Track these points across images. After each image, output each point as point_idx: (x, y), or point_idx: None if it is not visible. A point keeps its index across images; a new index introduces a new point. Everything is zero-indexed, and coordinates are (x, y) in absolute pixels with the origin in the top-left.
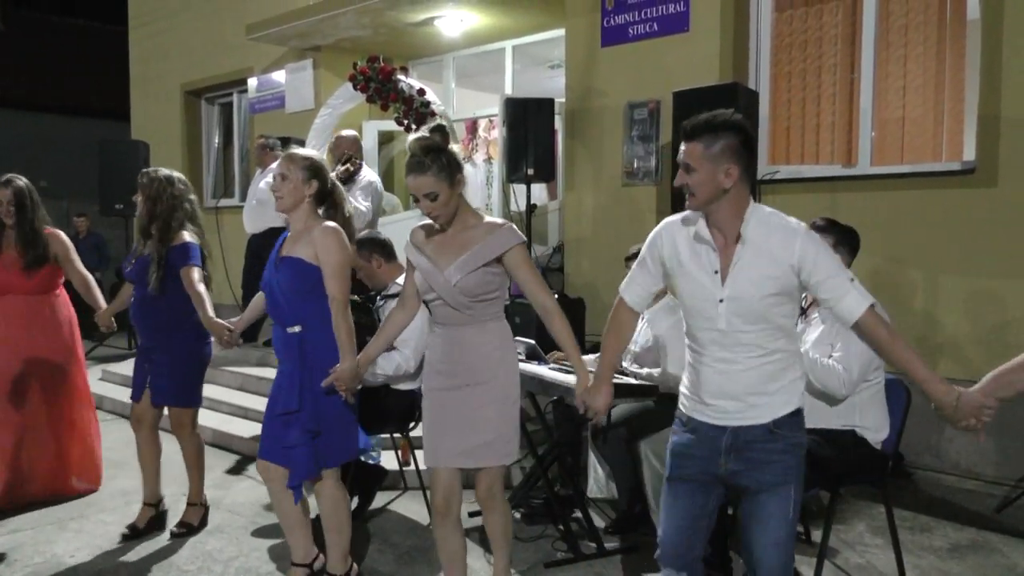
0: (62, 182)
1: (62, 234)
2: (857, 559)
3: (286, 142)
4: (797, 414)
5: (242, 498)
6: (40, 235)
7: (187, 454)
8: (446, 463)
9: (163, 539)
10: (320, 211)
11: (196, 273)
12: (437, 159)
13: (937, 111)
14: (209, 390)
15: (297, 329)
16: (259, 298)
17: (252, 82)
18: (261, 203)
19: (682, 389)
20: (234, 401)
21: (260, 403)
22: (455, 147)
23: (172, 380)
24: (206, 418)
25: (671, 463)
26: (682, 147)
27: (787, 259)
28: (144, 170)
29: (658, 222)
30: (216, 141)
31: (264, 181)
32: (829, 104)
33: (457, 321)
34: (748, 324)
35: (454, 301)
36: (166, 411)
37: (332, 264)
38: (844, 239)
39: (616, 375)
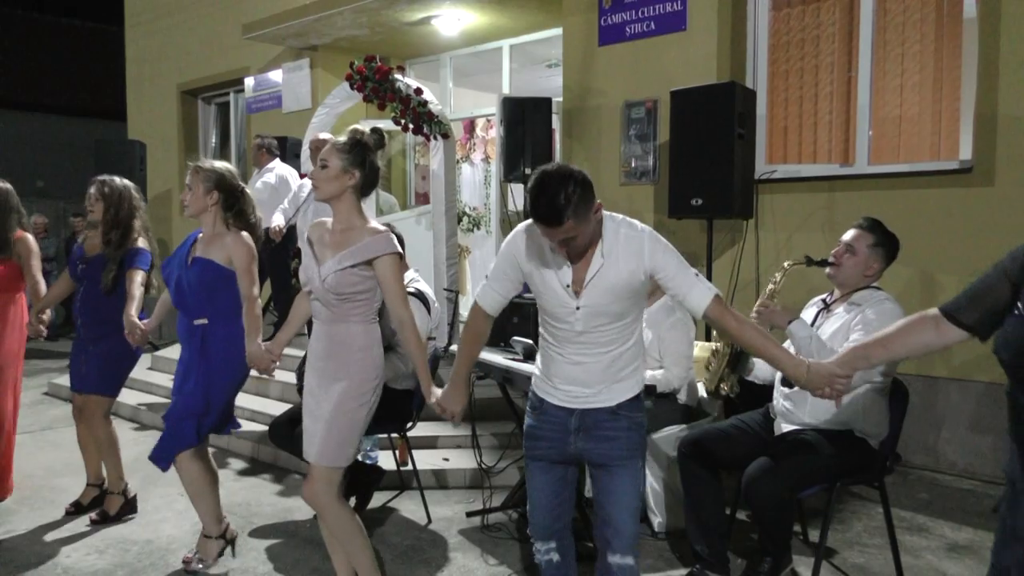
0: (59, 182)
1: (30, 238)
2: (855, 559)
3: (282, 142)
4: (637, 398)
5: (238, 498)
6: (8, 233)
7: (102, 442)
8: (308, 458)
9: (160, 540)
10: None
11: (139, 276)
12: (354, 147)
13: (934, 109)
14: (249, 401)
15: (203, 321)
16: (166, 297)
17: (249, 82)
18: (258, 203)
19: (535, 373)
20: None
21: (256, 403)
22: (379, 155)
23: (102, 370)
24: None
25: (526, 444)
26: (551, 231)
27: (639, 265)
28: (100, 177)
29: (656, 221)
30: (213, 141)
31: (261, 181)
32: (826, 103)
33: (324, 317)
34: (604, 325)
35: (322, 296)
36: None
37: (243, 267)
38: (885, 242)
39: None
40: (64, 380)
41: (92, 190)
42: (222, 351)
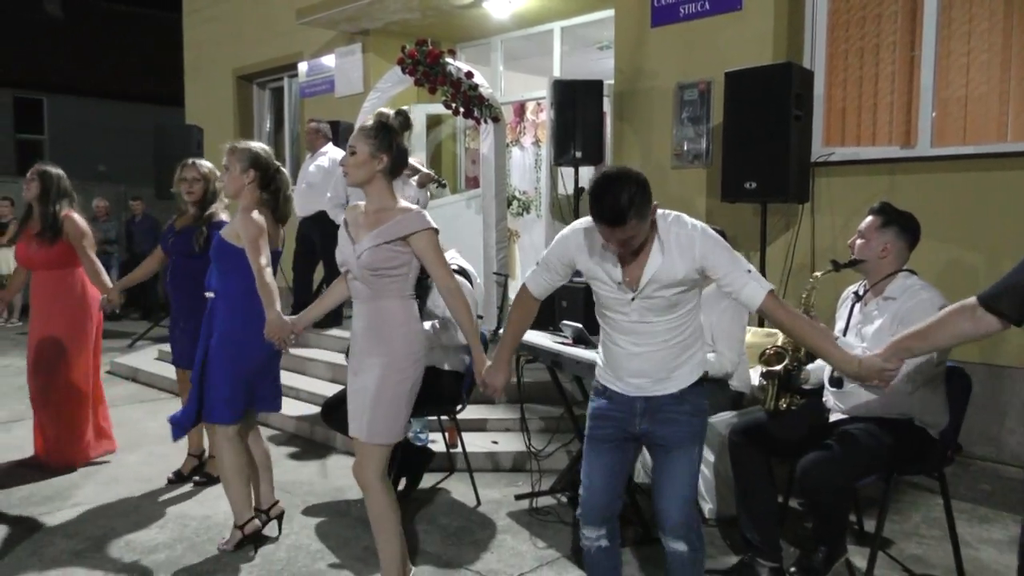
0: (119, 166)
1: (77, 217)
2: (912, 550)
3: (335, 126)
4: (700, 383)
5: (291, 476)
6: (57, 217)
7: None
8: (353, 433)
9: (218, 516)
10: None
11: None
12: (380, 131)
13: (1003, 89)
14: (296, 380)
15: (211, 295)
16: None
17: (302, 66)
18: (311, 186)
19: (598, 363)
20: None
21: (305, 382)
22: (404, 136)
23: (192, 346)
24: (290, 407)
25: (591, 425)
26: (611, 231)
27: (690, 262)
28: (193, 161)
29: (708, 205)
30: (267, 125)
31: (314, 165)
32: (888, 83)
33: (363, 296)
34: (658, 316)
35: (359, 274)
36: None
37: (249, 241)
38: (893, 221)
39: None
40: (125, 359)
41: (189, 174)
42: (227, 326)
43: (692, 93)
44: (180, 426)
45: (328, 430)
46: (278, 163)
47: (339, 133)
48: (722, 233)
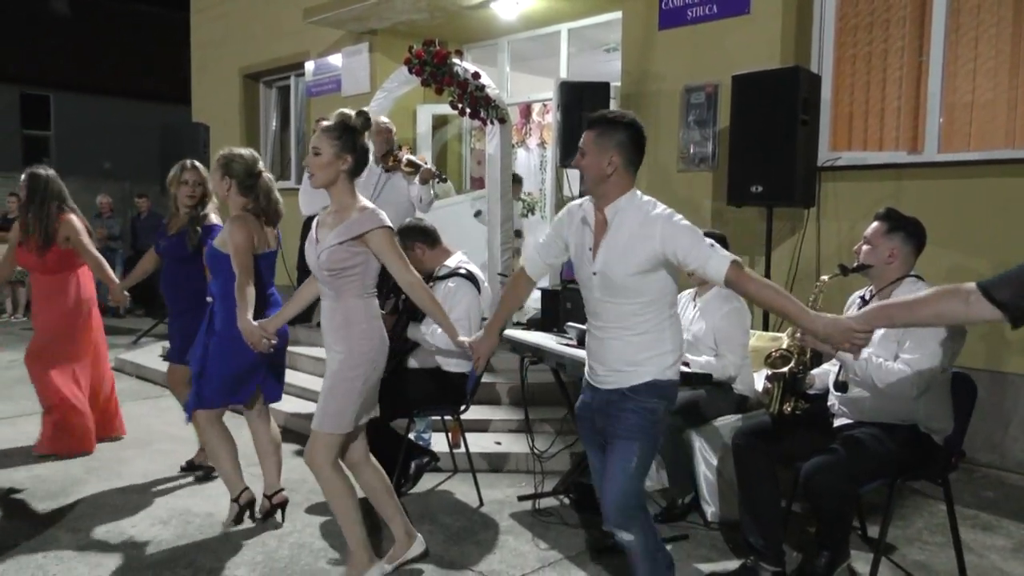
0: (125, 164)
1: (73, 218)
2: (916, 556)
3: None
4: (652, 384)
5: (295, 475)
6: (48, 220)
7: None
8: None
9: (221, 514)
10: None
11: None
12: (344, 132)
13: (1010, 95)
14: (290, 376)
15: (210, 299)
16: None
17: (309, 66)
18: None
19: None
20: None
21: (304, 379)
22: (366, 137)
23: (185, 343)
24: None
25: (578, 425)
26: (584, 134)
27: (650, 242)
28: (193, 163)
29: (714, 208)
30: (273, 124)
31: None
32: (895, 88)
33: (326, 294)
34: (616, 297)
35: (318, 273)
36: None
37: (232, 249)
38: (899, 227)
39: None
40: (130, 355)
41: (191, 177)
42: (223, 329)
43: (699, 96)
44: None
45: None
46: (260, 168)
47: None
48: (722, 238)
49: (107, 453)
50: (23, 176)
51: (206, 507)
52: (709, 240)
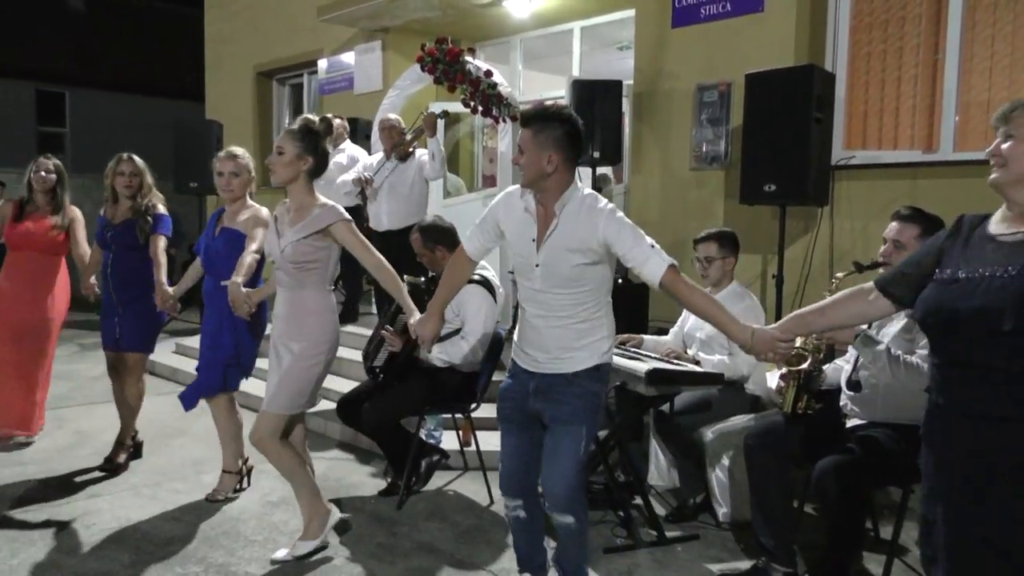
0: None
1: (76, 209)
2: None
3: (353, 123)
4: (596, 369)
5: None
6: (64, 207)
7: (135, 399)
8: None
9: (232, 510)
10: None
11: (163, 242)
12: (307, 135)
13: None
14: (261, 362)
15: (227, 283)
16: (195, 266)
17: (322, 63)
18: (328, 183)
19: (513, 337)
20: None
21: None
22: (327, 141)
23: (138, 330)
24: (258, 388)
25: (499, 404)
26: (521, 131)
27: (593, 235)
28: (130, 156)
29: (727, 206)
30: (286, 121)
31: (333, 161)
32: (910, 86)
33: (286, 284)
34: (558, 288)
35: (283, 266)
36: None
37: (257, 225)
38: (932, 228)
39: (679, 363)
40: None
41: (127, 168)
42: (256, 310)
43: (712, 94)
44: (188, 398)
45: (343, 426)
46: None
47: (358, 130)
48: (734, 237)
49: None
50: (49, 164)
51: (216, 503)
52: (650, 241)
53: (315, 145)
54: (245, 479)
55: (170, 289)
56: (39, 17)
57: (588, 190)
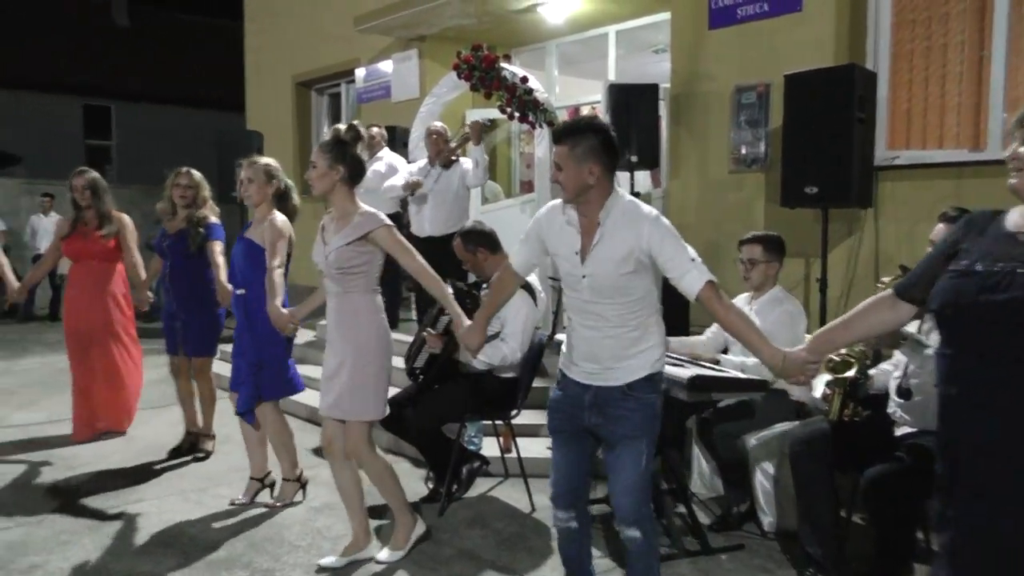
0: None
1: (127, 218)
2: None
3: (391, 131)
4: (650, 378)
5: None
6: (110, 215)
7: (206, 400)
8: (322, 411)
9: (276, 516)
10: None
11: (219, 246)
12: (334, 146)
13: None
14: (308, 370)
15: (242, 292)
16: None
17: (359, 72)
18: (368, 191)
19: (562, 348)
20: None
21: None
22: (358, 148)
23: (200, 335)
24: (305, 397)
25: (548, 417)
26: (555, 148)
27: (637, 242)
28: (187, 169)
29: (767, 209)
30: (325, 130)
31: (371, 169)
32: (955, 84)
33: (332, 290)
34: (606, 298)
35: (327, 272)
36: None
37: (268, 242)
38: None
39: (719, 368)
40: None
41: (184, 180)
42: (264, 314)
43: (750, 96)
44: (251, 412)
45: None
46: (287, 180)
47: (395, 138)
48: (779, 241)
49: (167, 456)
50: (82, 178)
51: (261, 509)
52: (692, 253)
53: (344, 153)
54: (301, 491)
55: (230, 287)
56: (86, 34)
57: (629, 196)
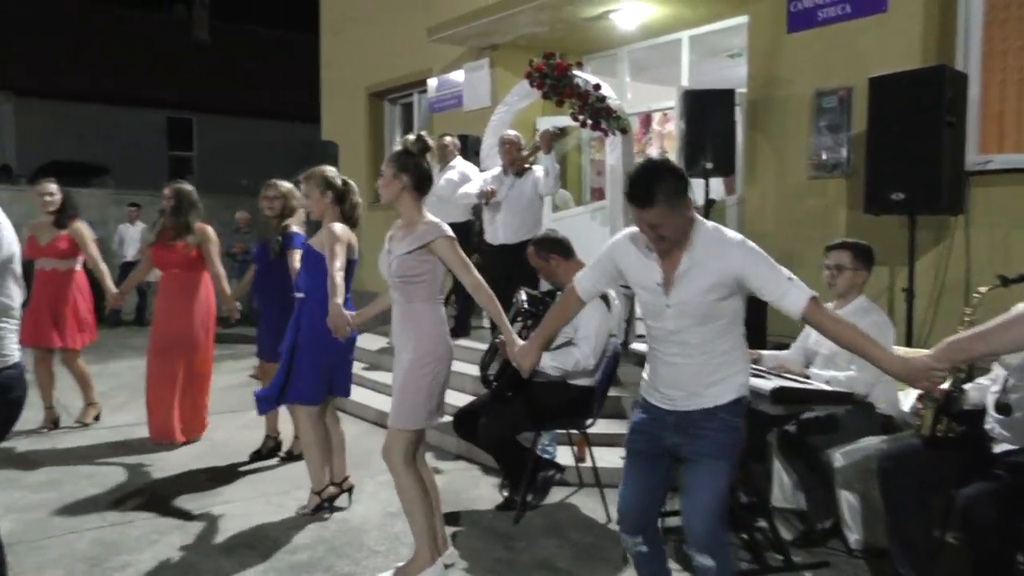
0: (261, 181)
1: (209, 229)
2: None
3: (463, 140)
4: (737, 402)
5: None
6: (190, 227)
7: None
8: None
9: (354, 520)
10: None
11: (298, 254)
12: (399, 156)
13: None
14: (381, 376)
15: (300, 295)
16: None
17: (432, 82)
18: (440, 199)
19: (642, 375)
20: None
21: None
22: (427, 158)
23: (272, 338)
24: (375, 400)
25: (628, 437)
26: (640, 213)
27: (727, 271)
28: (274, 181)
29: (849, 217)
30: (397, 140)
31: (444, 178)
32: None
33: (396, 299)
34: (694, 326)
35: (390, 280)
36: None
37: (328, 248)
38: None
39: (799, 379)
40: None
41: (271, 192)
42: (311, 321)
43: (831, 100)
44: (266, 400)
45: (460, 440)
46: (343, 177)
47: (467, 146)
48: (870, 251)
49: (247, 459)
50: (169, 188)
51: (340, 514)
52: (787, 273)
53: (408, 163)
54: (327, 503)
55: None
56: (169, 50)
57: (710, 223)
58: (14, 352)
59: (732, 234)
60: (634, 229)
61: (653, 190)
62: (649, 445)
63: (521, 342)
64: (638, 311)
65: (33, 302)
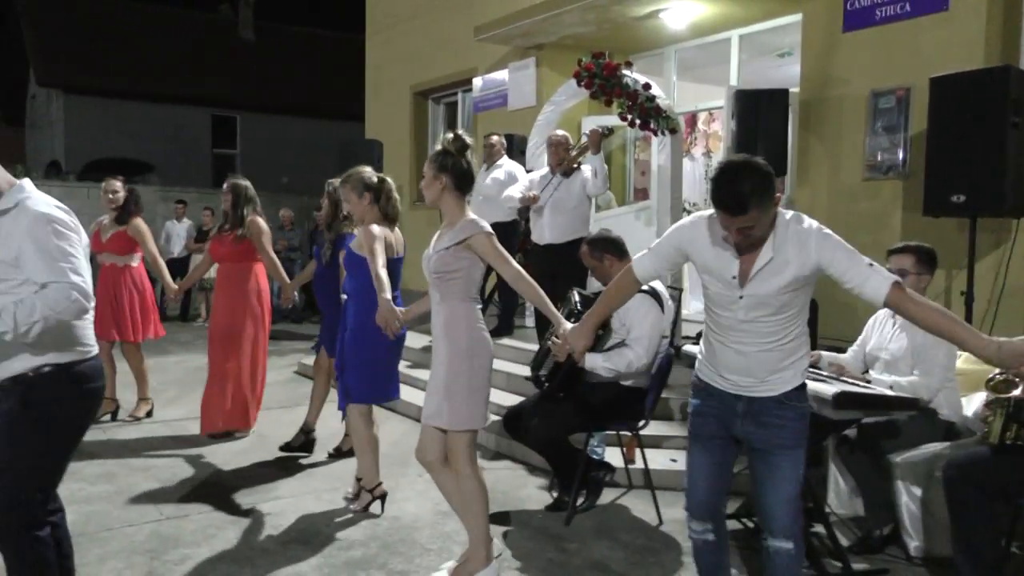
0: (303, 179)
1: (260, 220)
2: None
3: (509, 139)
4: (803, 387)
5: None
6: (244, 219)
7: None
8: (423, 418)
9: (406, 518)
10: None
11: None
12: (438, 156)
13: None
14: (423, 374)
15: (344, 296)
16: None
17: (477, 82)
18: (487, 199)
19: (699, 358)
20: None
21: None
22: (468, 157)
23: (328, 335)
24: (419, 398)
25: (692, 422)
26: (732, 219)
27: (806, 261)
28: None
29: (905, 219)
30: (441, 139)
31: (490, 177)
32: None
33: (435, 298)
34: (766, 316)
35: (428, 277)
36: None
37: (367, 248)
38: None
39: (857, 383)
40: (310, 360)
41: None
42: (355, 324)
43: (888, 100)
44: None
45: (510, 440)
46: (380, 174)
47: (513, 146)
48: (933, 254)
49: (297, 454)
50: (227, 183)
51: (390, 511)
52: (867, 259)
53: (447, 163)
54: (364, 504)
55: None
56: (214, 49)
57: (789, 212)
58: (94, 343)
59: (809, 222)
60: (705, 213)
61: (745, 196)
62: (719, 428)
63: (570, 325)
64: (684, 312)
65: (96, 296)
